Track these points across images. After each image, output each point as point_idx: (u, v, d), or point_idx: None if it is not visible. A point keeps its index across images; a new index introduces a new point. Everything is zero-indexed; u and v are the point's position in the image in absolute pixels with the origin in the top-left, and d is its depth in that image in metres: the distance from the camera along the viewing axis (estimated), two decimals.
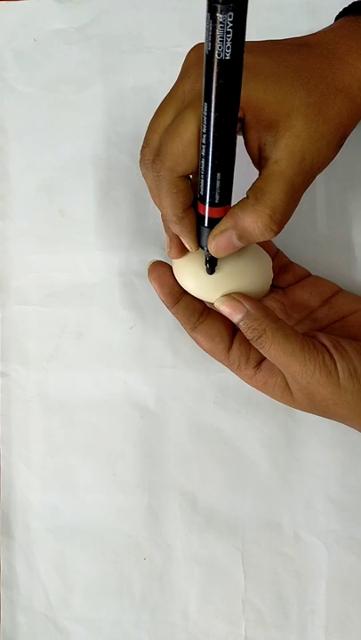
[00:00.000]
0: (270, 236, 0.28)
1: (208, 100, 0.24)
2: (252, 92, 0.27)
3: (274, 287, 0.35)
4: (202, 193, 0.27)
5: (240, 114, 0.27)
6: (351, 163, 0.37)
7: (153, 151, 0.28)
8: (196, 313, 0.32)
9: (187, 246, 0.30)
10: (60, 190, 0.39)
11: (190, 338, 0.33)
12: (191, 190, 0.29)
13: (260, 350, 0.30)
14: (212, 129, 0.25)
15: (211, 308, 0.33)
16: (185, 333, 0.34)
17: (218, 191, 0.27)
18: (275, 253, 0.35)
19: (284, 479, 0.37)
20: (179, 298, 0.32)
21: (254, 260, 0.32)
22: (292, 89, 0.27)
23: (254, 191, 0.27)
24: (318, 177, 0.29)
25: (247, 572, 0.37)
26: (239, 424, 0.37)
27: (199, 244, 0.30)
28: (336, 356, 0.29)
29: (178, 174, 0.28)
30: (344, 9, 0.32)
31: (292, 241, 0.36)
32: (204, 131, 0.25)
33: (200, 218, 0.29)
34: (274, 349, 0.30)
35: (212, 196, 0.27)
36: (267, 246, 0.34)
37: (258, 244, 0.33)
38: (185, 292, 0.32)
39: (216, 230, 0.28)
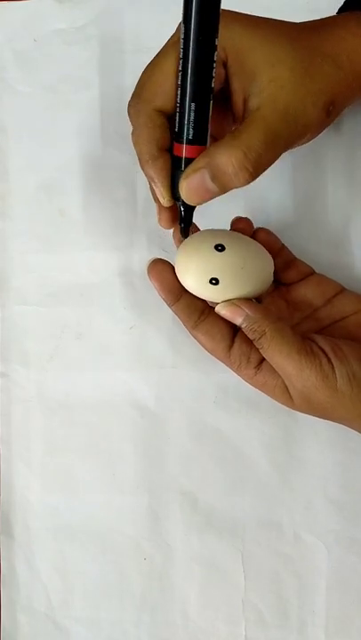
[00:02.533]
0: (244, 179, 0.27)
1: (187, 21, 0.24)
2: (238, 37, 0.27)
3: (278, 284, 0.35)
4: (177, 129, 0.27)
5: (223, 55, 0.27)
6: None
7: (135, 89, 0.28)
8: (197, 311, 0.32)
9: (159, 197, 0.29)
10: (59, 190, 0.39)
11: (191, 337, 0.33)
12: (168, 131, 0.28)
13: (261, 351, 0.31)
14: (190, 52, 0.25)
15: (212, 307, 0.33)
16: (185, 333, 0.34)
17: (192, 125, 0.27)
18: (279, 249, 0.35)
19: (284, 479, 0.37)
20: (179, 296, 0.32)
21: (255, 257, 0.32)
22: (279, 43, 0.27)
23: (233, 132, 0.27)
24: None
25: (247, 572, 0.37)
26: (239, 424, 0.37)
27: (175, 195, 0.29)
28: (334, 361, 0.29)
29: (154, 107, 0.27)
30: (340, 7, 0.32)
31: (298, 237, 0.36)
32: (182, 56, 0.25)
33: (176, 163, 0.28)
34: (271, 350, 0.30)
35: (187, 131, 0.27)
36: (272, 241, 0.34)
37: (260, 241, 0.33)
38: (185, 290, 0.32)
39: (189, 169, 0.28)
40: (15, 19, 0.39)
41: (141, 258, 0.38)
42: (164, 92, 0.27)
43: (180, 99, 0.26)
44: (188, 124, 0.27)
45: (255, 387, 0.32)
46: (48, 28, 0.39)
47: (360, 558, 0.36)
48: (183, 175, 0.28)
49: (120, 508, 0.38)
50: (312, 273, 0.35)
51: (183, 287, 0.32)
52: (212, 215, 0.36)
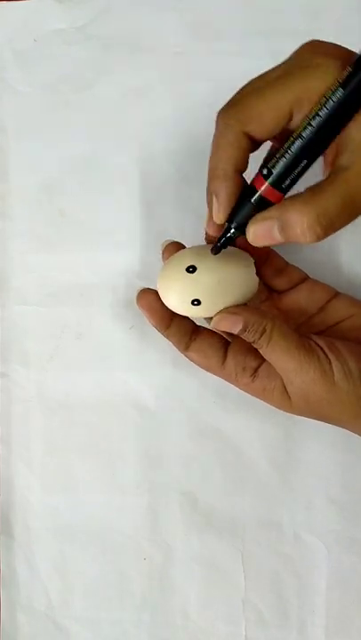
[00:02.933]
0: (312, 240, 0.26)
1: (345, 85, 0.25)
2: None
3: (271, 291, 0.35)
4: (271, 168, 0.27)
5: None
6: None
7: (234, 102, 0.28)
8: (188, 333, 0.33)
9: (215, 213, 0.29)
10: (60, 190, 0.39)
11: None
12: (248, 156, 0.28)
13: (260, 350, 0.31)
14: (329, 116, 0.25)
15: (200, 326, 0.33)
16: None
17: (291, 177, 0.27)
18: (267, 254, 0.34)
19: (284, 479, 0.37)
20: (169, 322, 0.32)
21: (230, 269, 0.31)
22: None
23: (312, 188, 0.26)
24: None
25: (247, 572, 0.37)
26: (239, 424, 0.37)
27: (230, 218, 0.29)
28: (331, 357, 0.30)
29: (247, 130, 0.27)
30: None
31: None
32: (319, 112, 0.26)
33: (249, 192, 0.28)
34: (271, 347, 0.30)
35: (279, 177, 0.27)
36: (257, 247, 0.34)
37: (244, 248, 0.33)
38: (174, 316, 0.32)
39: (260, 216, 0.28)
40: (15, 19, 0.39)
41: (141, 258, 0.38)
42: (262, 121, 0.27)
43: (296, 148, 0.26)
44: (288, 174, 0.27)
45: (253, 394, 0.33)
46: (48, 27, 0.39)
47: (360, 558, 0.36)
48: (254, 219, 0.28)
49: (120, 508, 0.38)
50: (305, 279, 0.35)
51: (172, 313, 0.32)
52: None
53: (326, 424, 0.32)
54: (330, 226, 0.26)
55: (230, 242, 0.30)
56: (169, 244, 0.34)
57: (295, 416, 0.34)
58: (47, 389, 0.38)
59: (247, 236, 0.28)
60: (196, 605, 0.37)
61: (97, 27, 0.39)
